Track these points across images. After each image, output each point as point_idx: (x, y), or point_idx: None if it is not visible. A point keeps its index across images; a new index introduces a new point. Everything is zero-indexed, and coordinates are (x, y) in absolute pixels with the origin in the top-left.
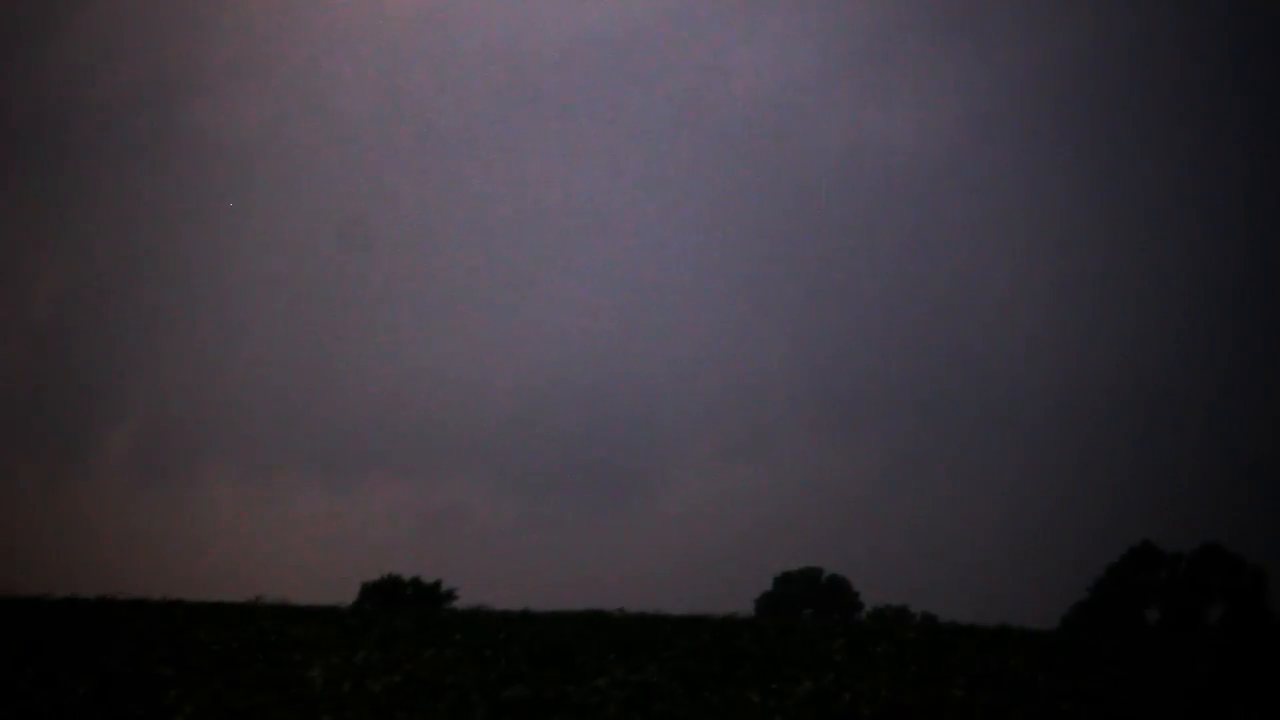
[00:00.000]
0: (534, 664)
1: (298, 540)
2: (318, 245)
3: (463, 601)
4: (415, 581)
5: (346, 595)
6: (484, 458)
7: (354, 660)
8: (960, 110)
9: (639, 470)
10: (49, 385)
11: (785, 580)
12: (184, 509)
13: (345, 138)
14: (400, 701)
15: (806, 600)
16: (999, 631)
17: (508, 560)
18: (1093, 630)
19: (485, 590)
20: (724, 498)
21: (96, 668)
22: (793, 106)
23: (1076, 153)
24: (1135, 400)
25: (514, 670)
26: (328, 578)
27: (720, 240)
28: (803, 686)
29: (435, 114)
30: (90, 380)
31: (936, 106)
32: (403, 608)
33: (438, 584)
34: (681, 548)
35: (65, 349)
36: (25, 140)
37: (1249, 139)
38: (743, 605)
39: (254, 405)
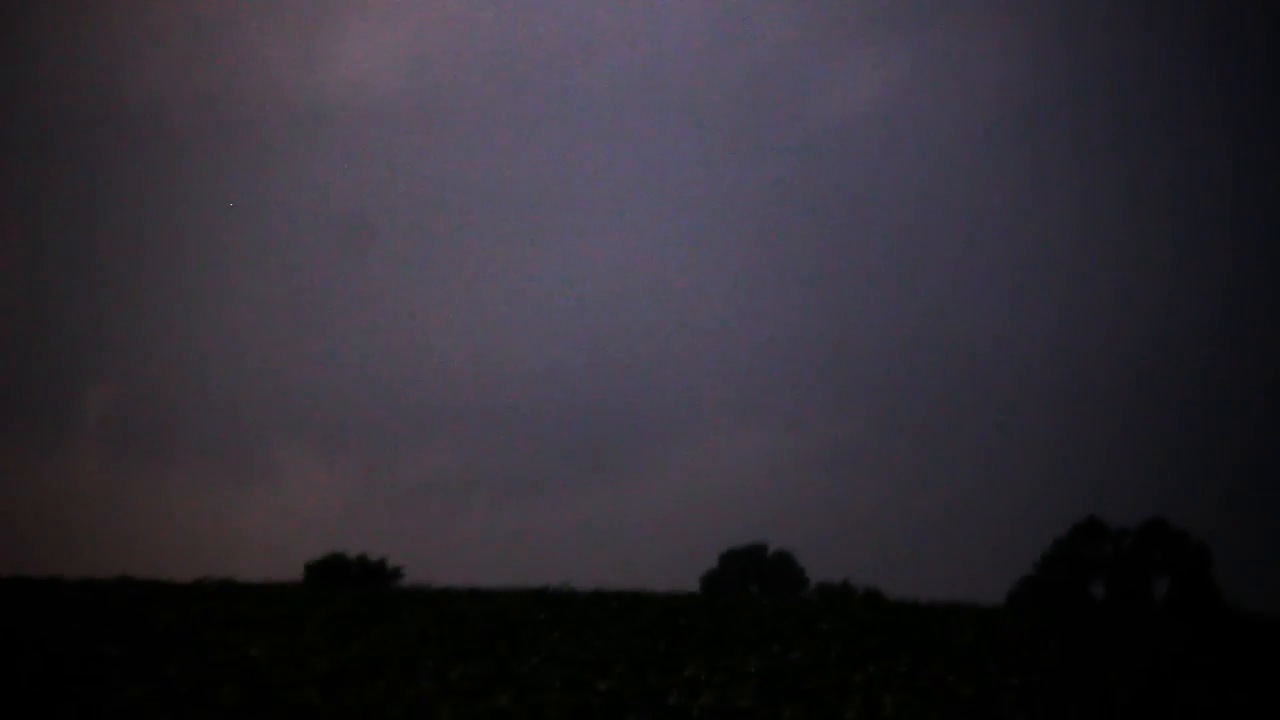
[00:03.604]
0: (480, 642)
1: (268, 517)
2: (310, 232)
3: (409, 579)
4: (361, 559)
5: (294, 575)
6: (449, 433)
7: (300, 639)
8: (953, 95)
9: (593, 447)
10: (16, 363)
11: (730, 557)
12: (155, 487)
13: (341, 130)
14: (346, 680)
15: (752, 577)
16: (945, 607)
17: (464, 535)
18: (1039, 605)
19: (438, 566)
20: (673, 474)
21: (43, 648)
22: (790, 83)
23: (1061, 142)
24: (1080, 376)
25: (460, 648)
26: (294, 556)
27: (702, 218)
28: (749, 663)
29: (428, 105)
30: (61, 356)
31: (922, 85)
32: (348, 587)
33: (383, 562)
34: (628, 524)
35: (41, 325)
36: (21, 131)
37: (1238, 140)
38: (688, 583)
39: (232, 383)
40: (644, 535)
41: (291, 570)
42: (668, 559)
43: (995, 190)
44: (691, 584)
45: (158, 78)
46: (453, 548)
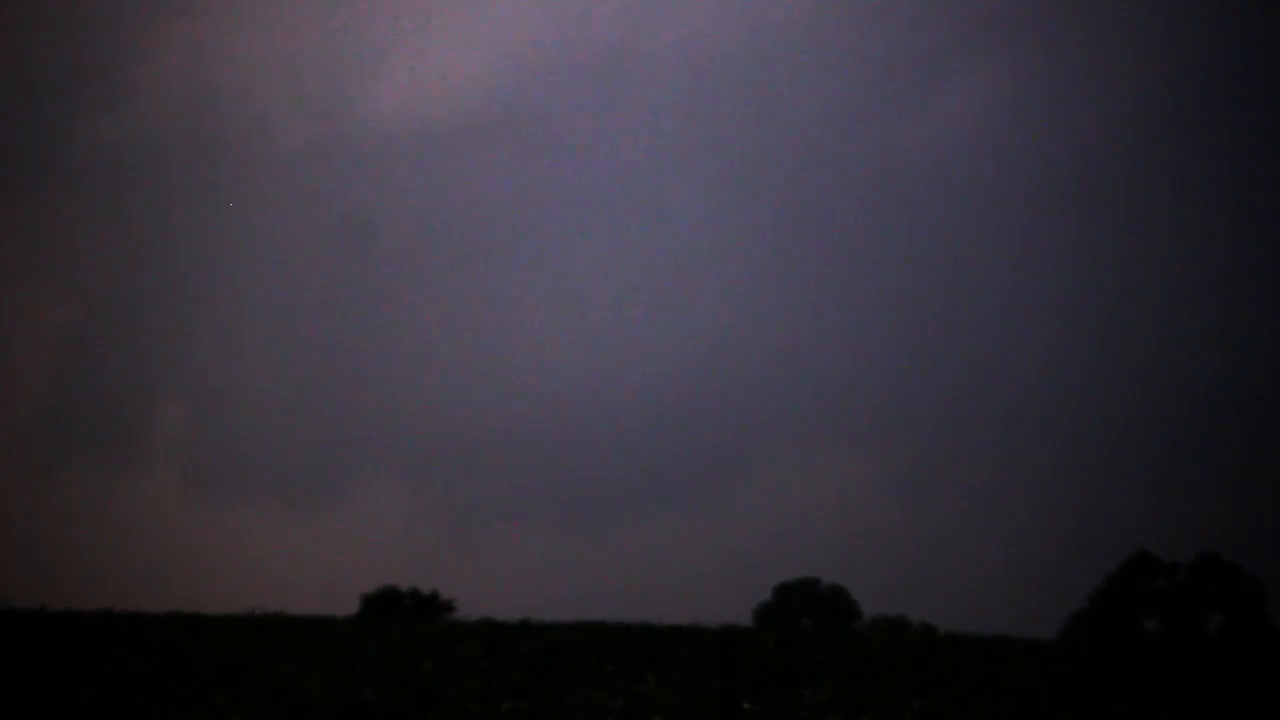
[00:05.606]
0: (532, 675)
1: (327, 546)
2: (322, 248)
3: (464, 612)
4: (414, 592)
5: (350, 607)
6: (505, 463)
7: (352, 672)
8: (974, 121)
9: (649, 478)
10: (70, 395)
11: (784, 591)
12: (218, 512)
13: (346, 138)
14: (398, 713)
15: (805, 610)
16: (998, 641)
17: (520, 564)
18: (1092, 640)
19: (492, 596)
20: (728, 506)
21: (95, 680)
22: (873, 108)
23: (1084, 167)
24: (1133, 409)
25: (512, 681)
26: (343, 589)
27: (727, 245)
28: (801, 697)
29: (440, 112)
30: (135, 374)
31: (951, 115)
32: (401, 619)
33: (435, 595)
34: (681, 559)
35: (85, 357)
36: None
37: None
38: (741, 616)
39: (297, 408)
40: (698, 567)
41: (348, 601)
42: (721, 592)
43: (1066, 227)
44: (744, 617)
45: (249, 101)
46: (507, 578)
